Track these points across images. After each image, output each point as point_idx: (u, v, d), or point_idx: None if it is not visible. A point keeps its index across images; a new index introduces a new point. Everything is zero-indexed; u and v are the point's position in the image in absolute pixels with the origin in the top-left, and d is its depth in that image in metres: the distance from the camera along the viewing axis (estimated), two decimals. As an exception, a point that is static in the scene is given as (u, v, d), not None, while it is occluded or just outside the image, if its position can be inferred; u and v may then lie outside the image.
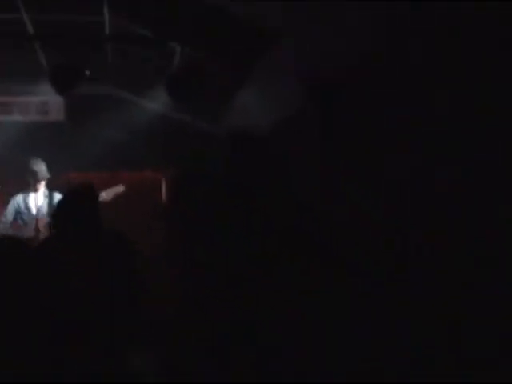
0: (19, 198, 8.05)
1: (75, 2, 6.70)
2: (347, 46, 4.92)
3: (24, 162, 8.19)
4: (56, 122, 9.72)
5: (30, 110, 9.64)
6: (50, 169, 8.32)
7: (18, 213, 7.95)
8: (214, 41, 6.41)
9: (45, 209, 7.87)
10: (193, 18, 6.20)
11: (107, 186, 8.26)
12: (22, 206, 7.93)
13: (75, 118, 9.68)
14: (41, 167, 8.05)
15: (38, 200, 7.94)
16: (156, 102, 8.04)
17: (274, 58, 6.25)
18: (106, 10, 6.79)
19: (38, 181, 7.99)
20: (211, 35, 6.36)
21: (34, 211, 7.83)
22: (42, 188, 8.09)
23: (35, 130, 9.51)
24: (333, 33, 5.36)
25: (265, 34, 6.03)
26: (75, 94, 9.25)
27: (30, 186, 8.03)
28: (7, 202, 8.06)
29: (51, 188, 8.22)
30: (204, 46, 6.65)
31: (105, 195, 7.93)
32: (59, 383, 2.78)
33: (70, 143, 9.43)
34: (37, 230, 7.55)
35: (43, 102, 9.34)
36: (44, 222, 7.66)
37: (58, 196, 7.98)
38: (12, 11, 6.85)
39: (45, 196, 8.09)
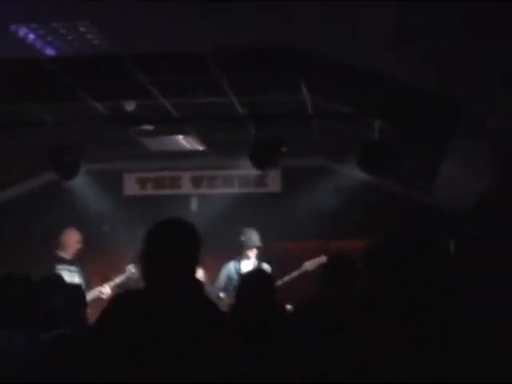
0: (231, 265, 8.49)
1: (277, 85, 7.11)
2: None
3: (239, 231, 8.66)
4: (273, 193, 10.22)
5: (249, 182, 10.23)
6: (264, 238, 8.72)
7: (229, 279, 8.38)
8: (407, 115, 6.47)
9: None
10: (386, 94, 6.31)
11: (315, 255, 8.47)
12: (233, 273, 8.35)
13: (290, 188, 10.10)
14: (252, 236, 8.44)
15: (248, 268, 8.24)
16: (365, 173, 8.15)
17: (470, 127, 6.16)
18: (304, 90, 7.13)
19: (248, 248, 8.38)
20: (404, 110, 6.43)
21: None
22: (253, 256, 8.46)
23: (253, 201, 10.06)
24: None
25: (458, 103, 5.98)
26: (290, 166, 9.77)
27: (242, 254, 8.44)
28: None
29: (262, 257, 8.56)
30: (398, 119, 6.72)
31: (308, 265, 8.14)
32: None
33: (285, 213, 9.81)
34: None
35: (262, 174, 9.82)
36: None
37: (266, 266, 8.26)
38: (222, 95, 7.43)
39: (253, 264, 8.43)
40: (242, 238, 8.46)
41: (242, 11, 5.35)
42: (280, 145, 7.47)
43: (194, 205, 10.52)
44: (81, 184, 9.24)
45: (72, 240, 8.45)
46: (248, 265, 8.45)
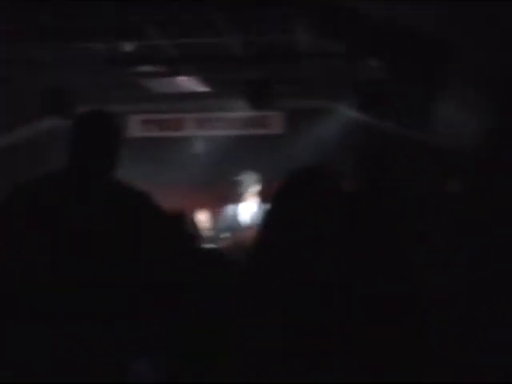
0: (230, 208, 8.56)
1: (269, 24, 7.12)
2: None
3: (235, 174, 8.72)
4: (276, 135, 10.28)
5: (253, 124, 10.30)
6: (266, 179, 8.79)
7: (229, 221, 8.46)
8: (397, 56, 6.47)
9: (256, 219, 8.18)
10: (375, 33, 6.31)
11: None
12: (232, 215, 8.42)
13: (292, 130, 10.15)
14: (248, 179, 8.45)
15: (249, 210, 8.28)
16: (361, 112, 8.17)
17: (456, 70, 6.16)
18: (299, 30, 7.14)
19: (245, 191, 8.42)
20: (395, 51, 6.44)
21: (244, 221, 8.19)
22: (252, 199, 8.49)
23: (256, 142, 10.14)
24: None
25: (446, 46, 5.98)
26: (293, 108, 9.81)
27: (240, 197, 8.48)
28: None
29: (264, 199, 8.58)
30: (388, 59, 6.72)
31: None
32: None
33: (287, 154, 9.87)
34: (243, 238, 7.94)
35: (265, 116, 9.88)
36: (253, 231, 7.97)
37: (267, 207, 8.28)
38: (219, 35, 7.45)
39: (257, 206, 8.45)
40: (241, 179, 8.49)
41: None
42: (272, 84, 7.50)
43: (197, 146, 10.60)
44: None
45: None
46: (247, 207, 8.48)
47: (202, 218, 9.56)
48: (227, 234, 8.40)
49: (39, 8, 6.57)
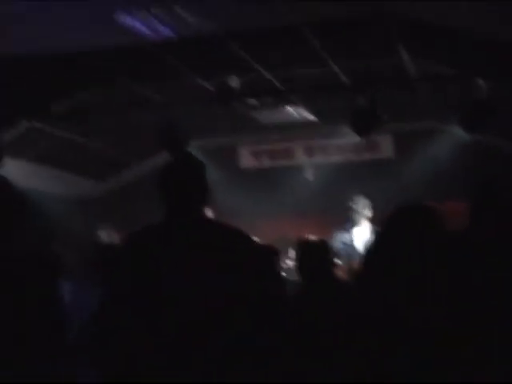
0: (342, 232, 8.52)
1: (373, 49, 7.17)
2: None
3: (351, 198, 8.73)
4: (385, 159, 10.25)
5: (362, 149, 10.31)
6: (377, 203, 8.77)
7: (343, 246, 8.42)
8: (503, 73, 6.39)
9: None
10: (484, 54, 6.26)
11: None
12: (347, 240, 8.36)
13: (403, 153, 10.09)
14: (363, 204, 8.45)
15: (362, 236, 8.21)
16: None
17: None
18: (403, 54, 7.15)
19: (360, 216, 8.39)
20: (500, 68, 6.36)
21: (357, 247, 8.10)
22: (366, 223, 8.45)
23: (366, 167, 10.15)
24: None
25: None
26: (403, 131, 9.77)
27: (353, 222, 8.47)
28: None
29: (376, 223, 8.53)
30: (495, 78, 6.63)
31: None
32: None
33: (398, 178, 9.81)
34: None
35: (374, 140, 9.87)
36: None
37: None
38: (322, 65, 7.58)
39: (370, 231, 8.39)
40: (353, 205, 8.45)
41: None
42: (379, 110, 7.52)
43: (308, 174, 10.71)
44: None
45: None
46: (361, 232, 8.44)
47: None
48: (340, 261, 8.36)
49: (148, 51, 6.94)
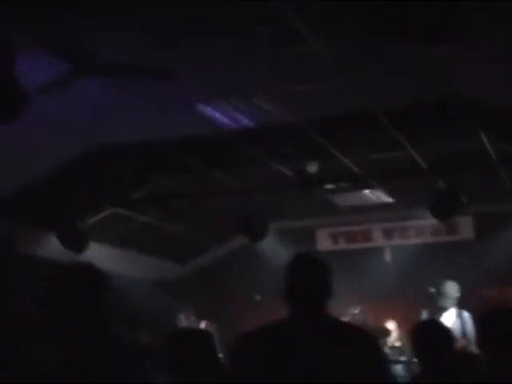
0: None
1: (452, 134, 7.18)
2: None
3: (433, 281, 8.53)
4: (466, 240, 10.11)
5: (441, 230, 10.20)
6: (460, 286, 8.57)
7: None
8: None
9: (457, 329, 7.78)
10: None
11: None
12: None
13: (484, 235, 9.93)
14: (452, 287, 8.15)
15: (449, 320, 7.92)
16: None
17: None
18: (484, 138, 7.15)
19: (447, 300, 8.10)
20: None
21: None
22: (453, 307, 8.15)
23: (446, 249, 10.02)
24: None
25: None
26: (483, 212, 9.65)
27: (441, 307, 8.15)
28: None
29: (462, 306, 8.24)
30: None
31: None
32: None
33: (479, 260, 9.64)
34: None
35: (454, 222, 9.75)
36: (459, 343, 7.56)
37: (466, 314, 7.94)
38: (399, 149, 7.62)
39: (456, 316, 8.11)
40: (442, 290, 8.16)
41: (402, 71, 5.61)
42: (460, 195, 7.47)
43: (387, 256, 10.63)
44: (273, 243, 9.68)
45: None
46: (448, 315, 8.13)
47: (390, 327, 9.39)
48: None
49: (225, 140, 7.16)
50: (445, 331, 4.46)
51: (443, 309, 8.11)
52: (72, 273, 3.23)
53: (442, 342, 4.39)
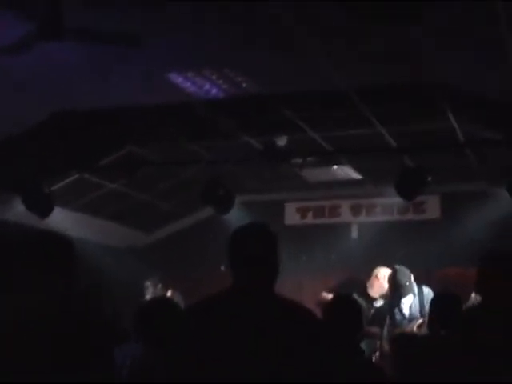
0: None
1: (424, 113, 7.22)
2: None
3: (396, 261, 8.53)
4: (432, 220, 10.19)
5: (408, 209, 10.27)
6: (423, 265, 8.63)
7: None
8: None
9: (417, 309, 7.63)
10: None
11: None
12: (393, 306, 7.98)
13: (450, 214, 10.01)
14: (400, 275, 8.02)
15: (408, 302, 7.86)
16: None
17: None
18: (451, 117, 7.18)
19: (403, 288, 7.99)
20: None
21: (405, 311, 7.81)
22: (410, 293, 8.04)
23: (412, 228, 10.11)
24: None
25: None
26: (450, 192, 9.72)
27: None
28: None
29: (420, 282, 8.20)
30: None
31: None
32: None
33: (445, 239, 9.73)
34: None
35: (420, 201, 9.82)
36: (416, 324, 7.57)
37: (426, 290, 7.88)
38: (369, 127, 7.64)
39: (417, 294, 8.03)
40: (397, 276, 8.05)
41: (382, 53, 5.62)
42: (425, 175, 7.52)
43: (354, 233, 10.69)
44: (241, 216, 9.65)
45: None
46: (407, 298, 8.04)
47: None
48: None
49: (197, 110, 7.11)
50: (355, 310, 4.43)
51: (402, 295, 7.94)
52: (43, 239, 3.14)
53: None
